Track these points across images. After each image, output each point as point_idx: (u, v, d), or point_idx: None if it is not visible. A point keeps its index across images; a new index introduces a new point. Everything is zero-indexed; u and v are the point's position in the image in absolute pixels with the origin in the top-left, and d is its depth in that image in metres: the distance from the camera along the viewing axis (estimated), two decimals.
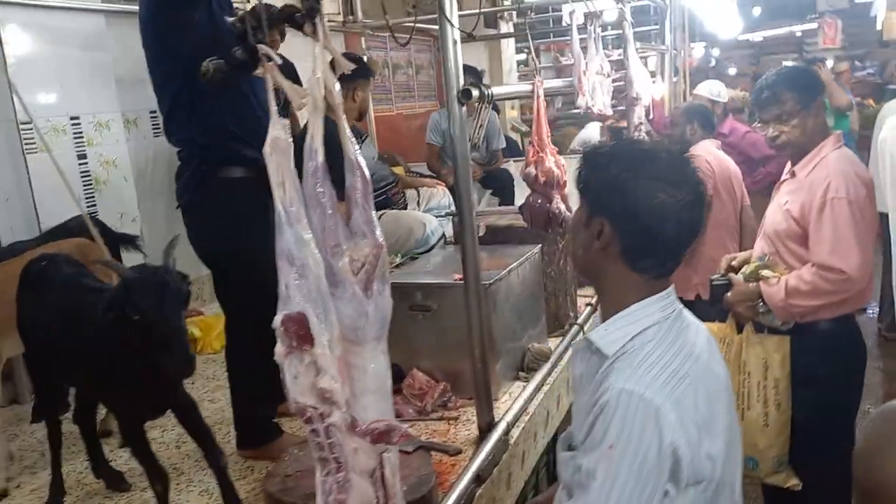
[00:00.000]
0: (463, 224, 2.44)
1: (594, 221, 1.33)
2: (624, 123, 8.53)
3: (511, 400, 2.78)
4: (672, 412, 1.21)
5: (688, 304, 3.98)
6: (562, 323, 3.54)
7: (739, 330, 2.78)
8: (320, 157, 1.55)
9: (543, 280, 3.40)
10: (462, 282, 2.82)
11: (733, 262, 2.85)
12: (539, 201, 3.03)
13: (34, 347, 2.23)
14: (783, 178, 2.82)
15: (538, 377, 2.96)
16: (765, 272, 2.64)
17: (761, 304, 2.66)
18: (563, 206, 3.03)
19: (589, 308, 3.79)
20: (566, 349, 3.29)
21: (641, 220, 1.29)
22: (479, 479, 2.25)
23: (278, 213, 1.41)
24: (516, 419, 2.64)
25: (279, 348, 1.41)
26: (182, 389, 2.03)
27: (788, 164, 2.77)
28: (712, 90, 5.68)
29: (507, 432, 2.53)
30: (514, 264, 3.04)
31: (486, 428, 2.50)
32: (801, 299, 2.51)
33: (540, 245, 3.33)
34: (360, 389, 1.66)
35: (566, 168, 3.08)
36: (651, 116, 5.30)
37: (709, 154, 4.26)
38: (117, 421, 2.07)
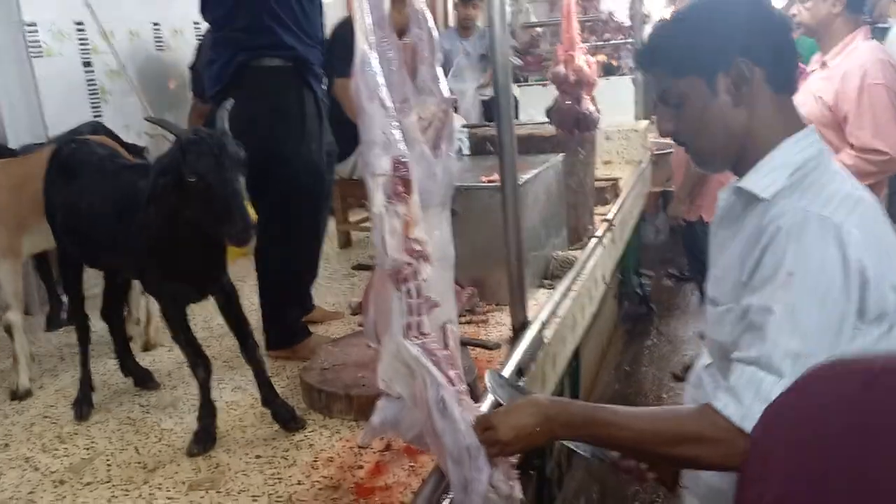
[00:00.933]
0: (500, 118, 2.34)
1: (719, 78, 1.22)
2: (615, 62, 8.46)
3: (538, 306, 2.75)
4: (855, 229, 1.09)
5: (689, 225, 4.00)
6: (580, 236, 3.50)
7: None
8: (386, 5, 1.48)
9: (565, 192, 3.35)
10: (491, 183, 2.79)
11: None
12: (568, 102, 2.95)
13: (66, 235, 2.14)
14: (811, 68, 2.85)
15: (565, 283, 2.93)
16: None
17: None
18: (592, 108, 2.96)
19: (606, 224, 3.76)
20: (589, 258, 3.26)
21: (771, 36, 1.22)
22: (519, 372, 2.22)
23: (363, 52, 1.32)
24: (549, 319, 2.62)
25: (380, 198, 1.32)
26: (227, 273, 1.96)
27: (818, 55, 2.82)
28: None
29: (541, 331, 2.50)
30: (541, 168, 2.98)
31: (520, 327, 2.47)
32: None
33: (563, 154, 3.27)
34: None
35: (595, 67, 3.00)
36: None
37: None
38: (159, 305, 1.99)
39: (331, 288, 3.36)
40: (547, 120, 3.50)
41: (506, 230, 2.42)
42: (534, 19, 7.62)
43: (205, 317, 3.01)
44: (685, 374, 1.59)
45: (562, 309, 2.77)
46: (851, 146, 2.61)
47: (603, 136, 5.14)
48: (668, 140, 4.98)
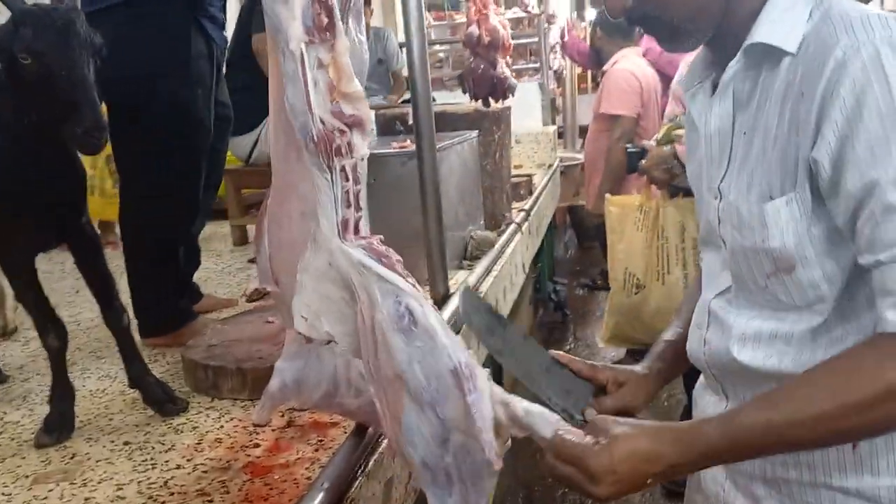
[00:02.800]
0: (413, 74, 2.08)
1: None
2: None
3: (458, 284, 2.47)
4: None
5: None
6: (498, 223, 3.26)
7: (672, 194, 2.89)
8: None
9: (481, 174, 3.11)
10: (404, 149, 2.52)
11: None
12: (482, 66, 2.72)
13: None
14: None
15: (485, 261, 2.67)
16: (677, 132, 2.66)
17: (676, 164, 2.69)
18: (508, 72, 2.74)
19: (523, 213, 3.55)
20: (509, 241, 3.03)
21: None
22: None
23: None
24: None
25: (297, 30, 0.97)
26: (87, 216, 1.59)
27: None
28: None
29: None
30: (456, 140, 2.73)
31: (441, 298, 2.18)
32: None
33: (477, 131, 3.03)
34: None
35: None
36: (566, 38, 5.11)
37: (635, 66, 3.99)
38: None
39: (222, 282, 2.98)
40: (460, 102, 3.28)
41: (423, 194, 2.14)
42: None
43: (71, 313, 2.59)
44: None
45: (484, 286, 2.50)
46: None
47: (513, 140, 4.98)
48: (575, 153, 4.81)
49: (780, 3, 0.93)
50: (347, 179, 1.05)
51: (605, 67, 4.06)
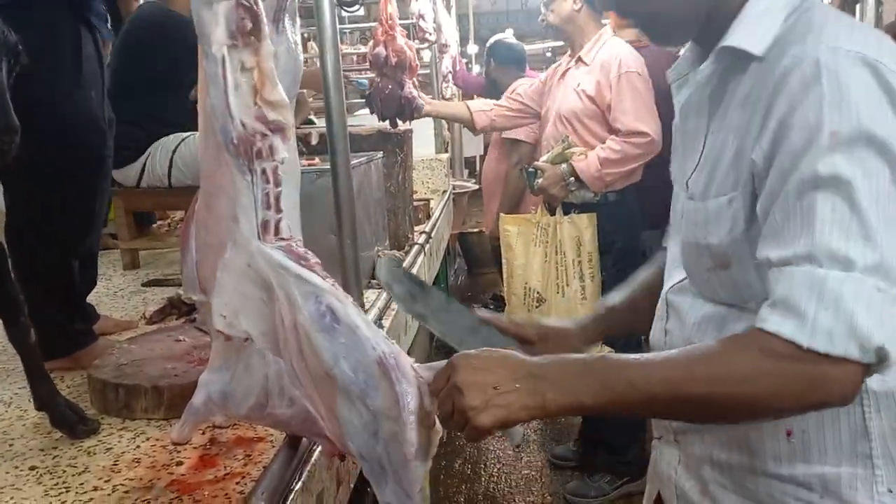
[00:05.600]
0: (328, 92, 2.09)
1: None
2: None
3: (369, 303, 2.47)
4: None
5: None
6: (402, 244, 3.28)
7: (552, 213, 3.12)
8: None
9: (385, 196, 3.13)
10: (311, 167, 2.52)
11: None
12: (390, 87, 2.75)
13: None
14: (567, 66, 3.13)
15: None
16: (570, 151, 2.92)
17: (572, 181, 2.93)
18: (416, 92, 2.78)
19: (425, 235, 3.58)
20: (414, 261, 3.05)
21: None
22: None
23: None
24: (385, 309, 2.34)
25: (220, 34, 0.99)
26: None
27: (567, 56, 3.17)
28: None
29: (379, 318, 2.22)
30: (363, 159, 2.74)
31: None
32: (614, 167, 2.83)
33: (381, 152, 3.06)
34: None
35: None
36: (458, 68, 5.22)
37: None
38: None
39: (116, 306, 2.84)
40: (361, 124, 3.29)
41: (338, 212, 2.13)
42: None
43: None
44: None
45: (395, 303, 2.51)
46: (617, 132, 2.84)
47: None
48: (463, 182, 4.95)
49: (758, 6, 0.96)
50: (268, 182, 1.07)
51: (504, 96, 4.19)
